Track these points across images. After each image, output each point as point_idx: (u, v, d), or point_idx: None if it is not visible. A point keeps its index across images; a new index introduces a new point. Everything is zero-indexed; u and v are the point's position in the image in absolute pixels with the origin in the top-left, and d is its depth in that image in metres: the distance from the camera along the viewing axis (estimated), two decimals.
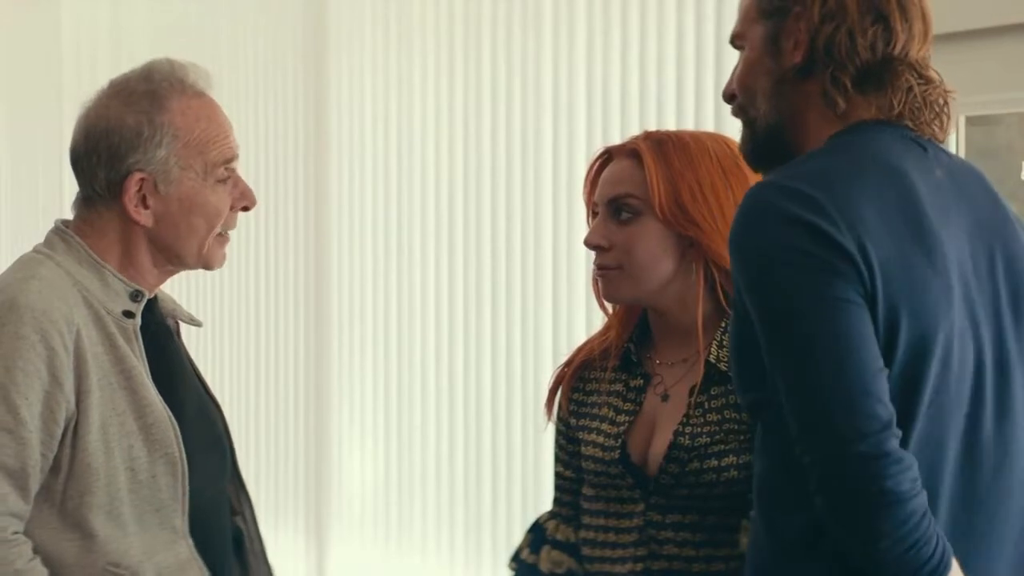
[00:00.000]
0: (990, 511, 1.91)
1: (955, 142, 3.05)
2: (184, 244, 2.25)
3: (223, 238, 2.30)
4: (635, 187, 2.24)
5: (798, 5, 1.92)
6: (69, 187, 2.31)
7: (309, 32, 4.61)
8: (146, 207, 2.22)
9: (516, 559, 2.42)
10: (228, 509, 2.35)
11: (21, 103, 5.78)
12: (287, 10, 4.69)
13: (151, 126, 2.20)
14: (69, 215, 2.31)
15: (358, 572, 4.48)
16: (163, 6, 5.12)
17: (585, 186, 2.34)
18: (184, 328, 2.43)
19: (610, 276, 2.26)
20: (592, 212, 2.32)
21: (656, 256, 2.23)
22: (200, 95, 2.27)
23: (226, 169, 2.26)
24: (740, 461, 2.15)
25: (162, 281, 2.32)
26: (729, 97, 2.02)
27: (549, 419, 2.41)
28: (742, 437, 2.16)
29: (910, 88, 1.91)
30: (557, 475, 2.40)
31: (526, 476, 3.94)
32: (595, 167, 2.33)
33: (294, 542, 4.62)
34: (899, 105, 1.91)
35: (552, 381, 2.40)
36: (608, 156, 2.32)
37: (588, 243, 2.28)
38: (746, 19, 1.99)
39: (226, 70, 4.82)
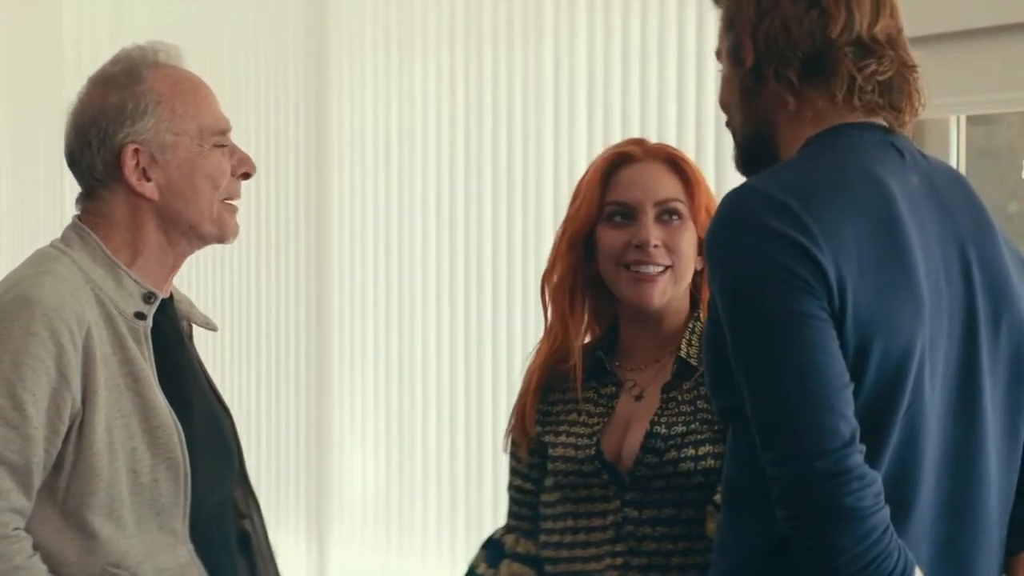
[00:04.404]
0: (971, 520, 1.90)
1: (955, 142, 3.05)
2: (194, 210, 2.25)
3: (230, 206, 2.30)
4: (680, 192, 2.32)
5: (741, 13, 1.90)
6: (70, 187, 2.31)
7: (310, 32, 4.61)
8: (148, 180, 2.22)
9: (472, 575, 2.42)
10: (232, 514, 2.35)
11: (22, 103, 5.77)
12: (288, 10, 4.68)
13: (133, 98, 2.22)
14: (69, 216, 2.31)
15: (359, 573, 4.48)
16: (164, 6, 5.12)
17: (594, 184, 2.34)
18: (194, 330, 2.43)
19: (661, 280, 2.29)
20: (610, 212, 2.32)
21: (692, 258, 2.31)
22: (173, 65, 2.29)
23: (221, 137, 2.27)
24: (716, 450, 2.18)
25: (177, 266, 2.31)
26: (727, 123, 2.02)
27: (506, 449, 2.43)
28: (716, 427, 2.18)
29: (851, 76, 1.86)
30: (516, 489, 2.41)
31: None
32: (604, 168, 2.33)
33: (295, 544, 4.62)
34: (842, 91, 1.86)
35: (513, 418, 2.40)
36: (624, 159, 2.34)
37: (646, 241, 2.28)
38: (719, 36, 1.99)
39: (227, 70, 4.81)
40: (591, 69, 3.76)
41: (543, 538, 2.32)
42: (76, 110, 2.27)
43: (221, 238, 2.29)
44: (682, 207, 2.30)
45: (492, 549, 2.41)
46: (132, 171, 2.22)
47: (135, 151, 2.21)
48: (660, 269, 2.28)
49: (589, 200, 2.34)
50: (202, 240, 2.29)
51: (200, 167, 2.24)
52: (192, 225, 2.26)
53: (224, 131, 2.28)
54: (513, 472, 2.43)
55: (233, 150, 2.29)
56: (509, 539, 2.39)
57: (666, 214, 2.30)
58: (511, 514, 2.42)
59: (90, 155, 2.23)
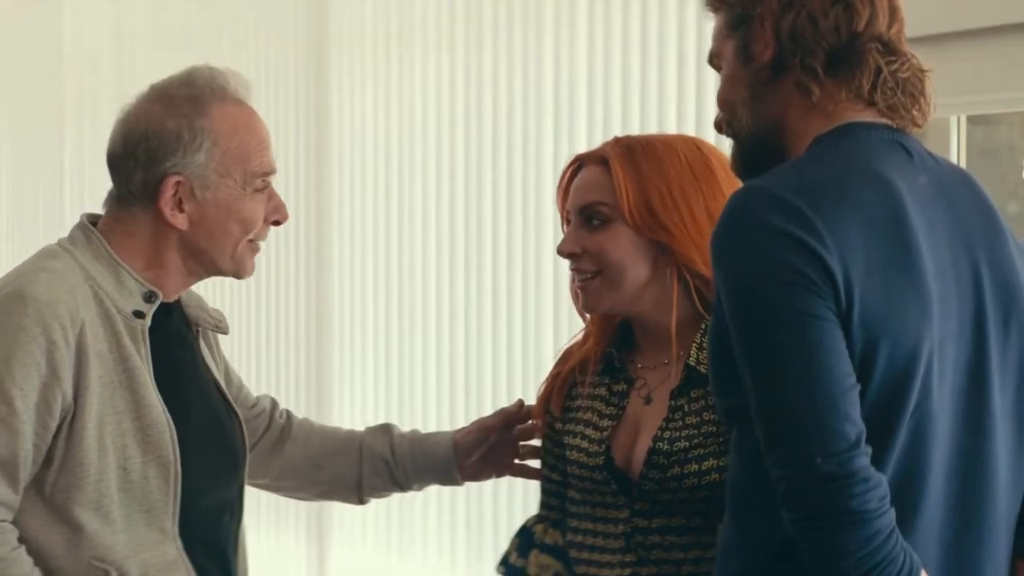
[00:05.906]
0: (979, 523, 1.89)
1: (955, 142, 3.04)
2: (218, 249, 2.26)
3: (254, 247, 2.30)
4: (604, 194, 2.25)
5: (759, 6, 1.91)
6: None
7: (310, 32, 4.61)
8: (181, 211, 2.23)
9: (504, 563, 2.43)
10: (231, 516, 2.35)
11: (22, 103, 5.78)
12: (288, 10, 4.68)
13: (191, 130, 2.21)
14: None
15: (359, 574, 4.47)
16: (165, 6, 5.12)
17: (558, 194, 2.35)
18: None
19: (590, 286, 2.26)
20: (566, 220, 2.33)
21: (629, 259, 2.24)
22: (240, 103, 2.28)
23: (263, 181, 2.27)
24: (720, 464, 2.15)
25: (187, 286, 2.32)
26: (718, 126, 2.01)
27: (543, 427, 2.41)
28: (721, 439, 2.16)
29: (879, 68, 1.89)
30: (545, 478, 2.41)
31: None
32: (567, 175, 2.34)
33: (295, 544, 4.61)
34: (868, 84, 1.88)
35: (542, 392, 2.40)
36: (579, 163, 2.32)
37: (561, 251, 2.29)
38: (718, 37, 1.99)
39: None
40: (591, 69, 3.75)
41: (569, 536, 2.32)
42: (130, 118, 2.26)
43: (236, 276, 2.31)
44: (604, 209, 2.24)
45: (524, 538, 2.41)
46: (168, 200, 2.22)
47: (177, 183, 2.22)
48: (587, 275, 2.26)
49: (558, 210, 2.36)
50: (219, 274, 2.31)
51: (237, 211, 2.25)
52: (212, 260, 2.28)
53: (268, 174, 2.28)
54: (542, 461, 2.43)
55: (271, 195, 2.29)
56: (539, 528, 2.39)
57: (587, 218, 2.26)
58: (541, 503, 2.42)
59: (132, 168, 2.24)
